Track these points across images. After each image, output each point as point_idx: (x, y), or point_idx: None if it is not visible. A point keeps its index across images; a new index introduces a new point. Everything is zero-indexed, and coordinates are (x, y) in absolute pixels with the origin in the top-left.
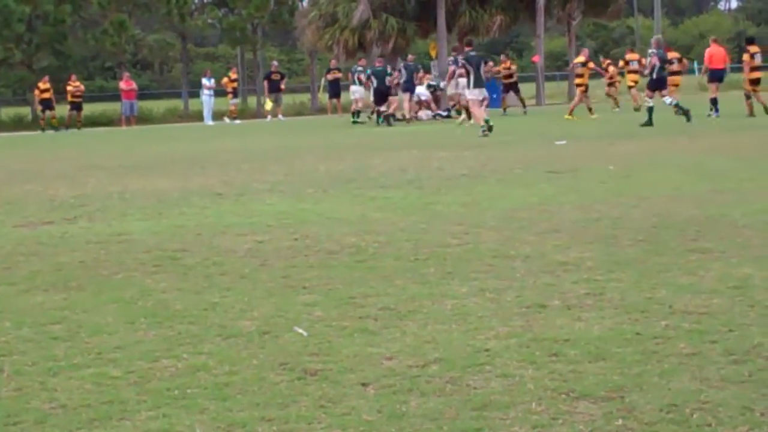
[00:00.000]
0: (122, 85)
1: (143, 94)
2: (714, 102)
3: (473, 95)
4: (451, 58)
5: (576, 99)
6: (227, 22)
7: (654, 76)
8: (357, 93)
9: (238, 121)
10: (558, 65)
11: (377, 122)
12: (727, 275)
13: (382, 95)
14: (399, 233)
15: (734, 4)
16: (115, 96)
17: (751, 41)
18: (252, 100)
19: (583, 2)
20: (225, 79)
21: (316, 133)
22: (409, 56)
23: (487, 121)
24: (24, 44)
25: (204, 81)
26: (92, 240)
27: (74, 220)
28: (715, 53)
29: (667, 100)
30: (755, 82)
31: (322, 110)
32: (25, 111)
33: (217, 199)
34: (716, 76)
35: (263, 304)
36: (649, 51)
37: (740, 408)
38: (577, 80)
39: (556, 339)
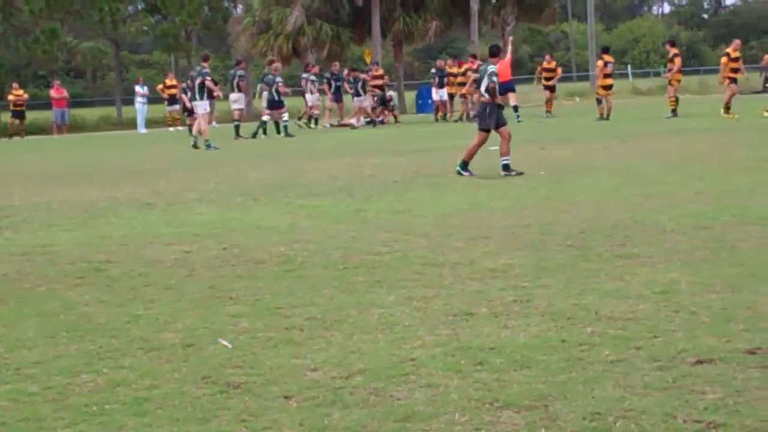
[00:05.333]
0: (53, 93)
1: (77, 102)
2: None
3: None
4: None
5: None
6: (160, 28)
7: None
8: (311, 100)
9: (178, 128)
10: None
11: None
12: (653, 280)
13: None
14: (328, 241)
15: (667, 9)
16: (47, 104)
17: (606, 50)
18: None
19: (517, 7)
20: (160, 86)
21: (249, 140)
22: (335, 64)
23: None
24: None
25: (137, 88)
26: (16, 252)
27: None
28: (502, 70)
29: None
30: (607, 87)
31: (257, 117)
32: None
33: (145, 208)
34: (506, 89)
35: (188, 316)
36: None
37: (663, 415)
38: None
39: (482, 347)
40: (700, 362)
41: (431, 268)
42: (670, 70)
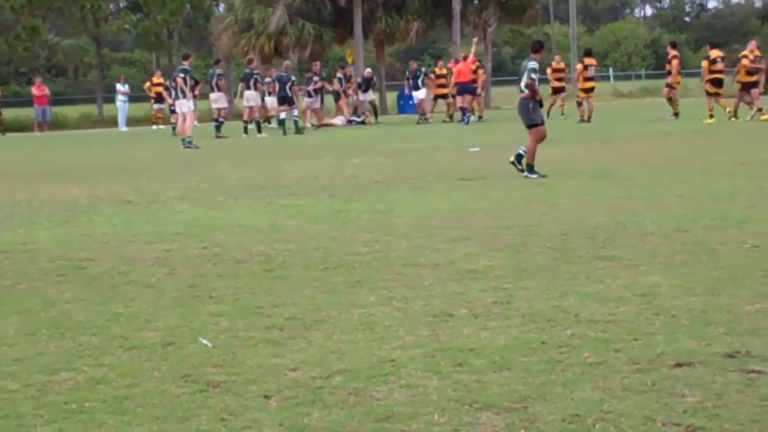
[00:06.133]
0: (34, 90)
1: (58, 100)
2: (464, 111)
3: None
4: None
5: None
6: (142, 26)
7: None
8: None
9: (160, 127)
10: None
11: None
12: (634, 283)
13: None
14: (309, 241)
15: (649, 12)
16: (28, 102)
17: (588, 53)
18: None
19: (499, 9)
20: (147, 84)
21: (231, 139)
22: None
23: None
24: None
25: (118, 86)
26: None
27: None
28: (462, 70)
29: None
30: (588, 90)
31: (238, 116)
32: None
33: (126, 206)
34: (464, 89)
35: (168, 315)
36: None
37: (642, 418)
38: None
39: (462, 348)
40: (679, 365)
41: (412, 269)
42: (670, 72)
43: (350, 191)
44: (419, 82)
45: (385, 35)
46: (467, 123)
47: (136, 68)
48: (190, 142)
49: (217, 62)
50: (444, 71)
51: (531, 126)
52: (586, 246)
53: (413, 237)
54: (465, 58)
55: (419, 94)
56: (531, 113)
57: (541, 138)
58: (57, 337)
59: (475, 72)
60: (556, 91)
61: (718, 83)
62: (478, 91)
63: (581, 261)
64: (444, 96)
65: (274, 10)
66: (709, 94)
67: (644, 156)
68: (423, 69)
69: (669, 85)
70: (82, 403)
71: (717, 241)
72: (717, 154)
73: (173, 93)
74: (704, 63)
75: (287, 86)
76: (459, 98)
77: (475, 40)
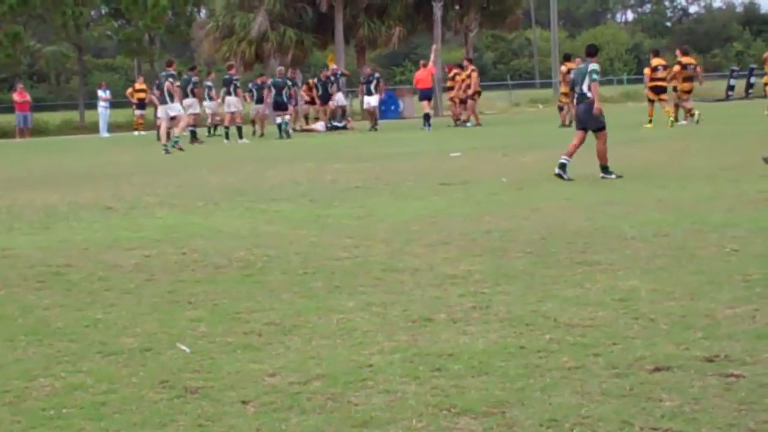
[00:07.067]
0: (16, 96)
1: (40, 106)
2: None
3: None
4: None
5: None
6: (124, 33)
7: None
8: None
9: (141, 133)
10: None
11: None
12: (613, 287)
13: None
14: (288, 247)
15: (630, 17)
16: (10, 108)
17: (567, 58)
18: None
19: (481, 14)
20: (129, 90)
21: (212, 144)
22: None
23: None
24: None
25: (99, 93)
26: None
27: None
28: (422, 77)
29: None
30: (568, 94)
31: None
32: None
33: (106, 212)
34: (425, 96)
35: (147, 320)
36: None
37: (620, 422)
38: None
39: (441, 353)
40: (657, 369)
41: (391, 274)
42: (674, 77)
43: (331, 196)
44: (372, 87)
45: (367, 41)
46: (429, 129)
47: (118, 74)
48: (176, 143)
49: (192, 69)
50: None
51: (599, 129)
52: (565, 250)
53: (393, 242)
54: (425, 66)
55: (371, 101)
56: (600, 117)
57: (606, 139)
58: (35, 343)
59: (469, 77)
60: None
61: (659, 90)
62: (475, 96)
63: (561, 265)
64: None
65: (255, 15)
66: (650, 100)
67: (625, 161)
68: (377, 74)
69: (675, 89)
70: (59, 410)
71: (697, 245)
72: (697, 159)
73: (163, 97)
74: (646, 70)
75: (283, 92)
76: (422, 104)
77: (434, 47)
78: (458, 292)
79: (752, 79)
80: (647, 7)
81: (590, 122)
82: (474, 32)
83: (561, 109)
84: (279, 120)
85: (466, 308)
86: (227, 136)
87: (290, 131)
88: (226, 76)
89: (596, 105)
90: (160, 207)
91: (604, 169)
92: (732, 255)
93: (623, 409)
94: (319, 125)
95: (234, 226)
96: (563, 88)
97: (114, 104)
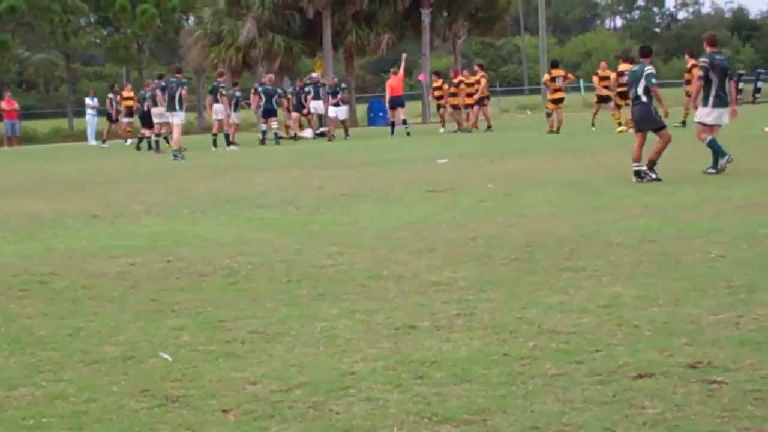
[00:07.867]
0: (3, 104)
1: (29, 114)
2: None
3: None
4: None
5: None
6: (112, 41)
7: None
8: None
9: (128, 141)
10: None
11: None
12: (597, 294)
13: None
14: (273, 254)
15: (619, 23)
16: None
17: (555, 65)
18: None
19: (469, 21)
20: (117, 97)
21: (200, 152)
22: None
23: None
24: None
25: (87, 100)
26: None
27: None
28: (394, 84)
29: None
30: (558, 101)
31: (208, 129)
32: None
33: (92, 221)
34: (396, 103)
35: (130, 329)
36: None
37: (602, 430)
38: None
39: (423, 361)
40: (640, 376)
41: (375, 281)
42: (688, 82)
43: (316, 203)
44: (338, 99)
45: (356, 47)
46: (392, 135)
47: (107, 82)
48: (176, 155)
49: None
50: (439, 83)
51: (659, 129)
52: (550, 257)
53: (378, 249)
54: (395, 73)
55: (339, 113)
56: (656, 116)
57: (669, 139)
58: (17, 352)
59: (478, 82)
60: (603, 99)
61: (626, 95)
62: (485, 101)
63: (545, 272)
64: (456, 106)
65: (243, 22)
66: (617, 105)
67: (612, 167)
68: (343, 85)
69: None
70: (39, 419)
71: (682, 251)
72: (683, 164)
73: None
74: (612, 75)
75: (273, 99)
76: (391, 112)
77: (404, 56)
78: (442, 299)
79: (759, 84)
80: (636, 14)
81: (646, 123)
82: (462, 39)
83: (549, 115)
84: (264, 127)
85: (450, 315)
86: (215, 144)
87: (278, 136)
88: (213, 84)
89: (664, 107)
90: (146, 215)
91: (651, 165)
92: (717, 261)
93: (605, 417)
94: (307, 132)
95: (219, 234)
96: (550, 95)
97: (101, 112)
